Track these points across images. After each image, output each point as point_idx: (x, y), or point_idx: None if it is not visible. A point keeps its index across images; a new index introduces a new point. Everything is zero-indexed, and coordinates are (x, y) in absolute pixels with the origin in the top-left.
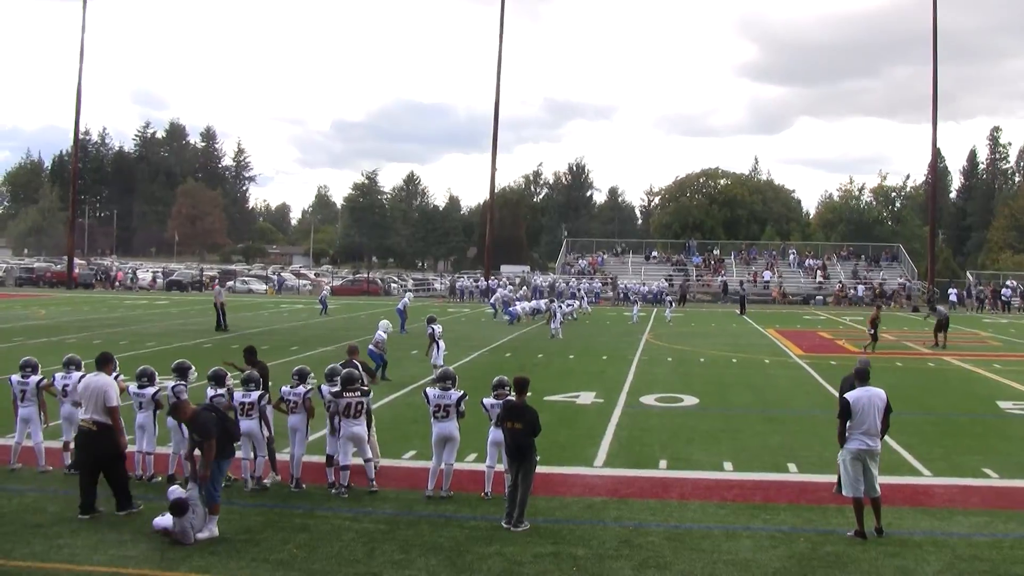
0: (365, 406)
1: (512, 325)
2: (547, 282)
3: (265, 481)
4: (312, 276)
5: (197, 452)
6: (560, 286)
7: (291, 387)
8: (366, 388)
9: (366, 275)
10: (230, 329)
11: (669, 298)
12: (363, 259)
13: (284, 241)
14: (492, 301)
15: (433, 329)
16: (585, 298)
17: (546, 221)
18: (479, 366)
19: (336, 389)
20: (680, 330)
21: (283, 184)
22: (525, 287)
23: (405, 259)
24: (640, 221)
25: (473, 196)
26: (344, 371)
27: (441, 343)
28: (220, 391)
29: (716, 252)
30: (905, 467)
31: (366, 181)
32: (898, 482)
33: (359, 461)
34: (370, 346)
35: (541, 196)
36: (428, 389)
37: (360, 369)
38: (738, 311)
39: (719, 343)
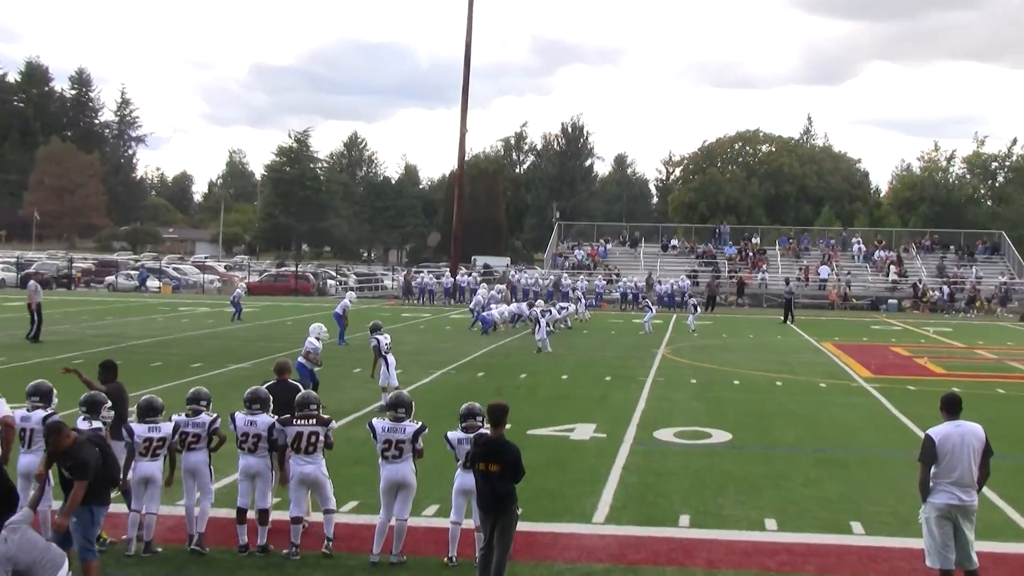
0: (322, 439)
1: (486, 335)
2: (533, 279)
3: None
4: (222, 270)
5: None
6: (559, 285)
7: (188, 416)
8: (326, 417)
9: (294, 268)
10: (45, 339)
11: (693, 301)
12: (290, 247)
13: (185, 223)
14: (473, 305)
15: (378, 341)
16: (583, 300)
17: (532, 199)
18: (443, 389)
19: (282, 416)
20: (707, 342)
21: (184, 147)
22: (501, 285)
23: (346, 248)
24: (655, 199)
25: (437, 165)
26: (305, 394)
27: (390, 358)
28: (96, 424)
29: (755, 240)
30: (1010, 529)
31: (294, 144)
32: (1002, 550)
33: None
34: (299, 359)
35: (526, 166)
36: (375, 420)
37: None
38: (784, 318)
39: (759, 360)
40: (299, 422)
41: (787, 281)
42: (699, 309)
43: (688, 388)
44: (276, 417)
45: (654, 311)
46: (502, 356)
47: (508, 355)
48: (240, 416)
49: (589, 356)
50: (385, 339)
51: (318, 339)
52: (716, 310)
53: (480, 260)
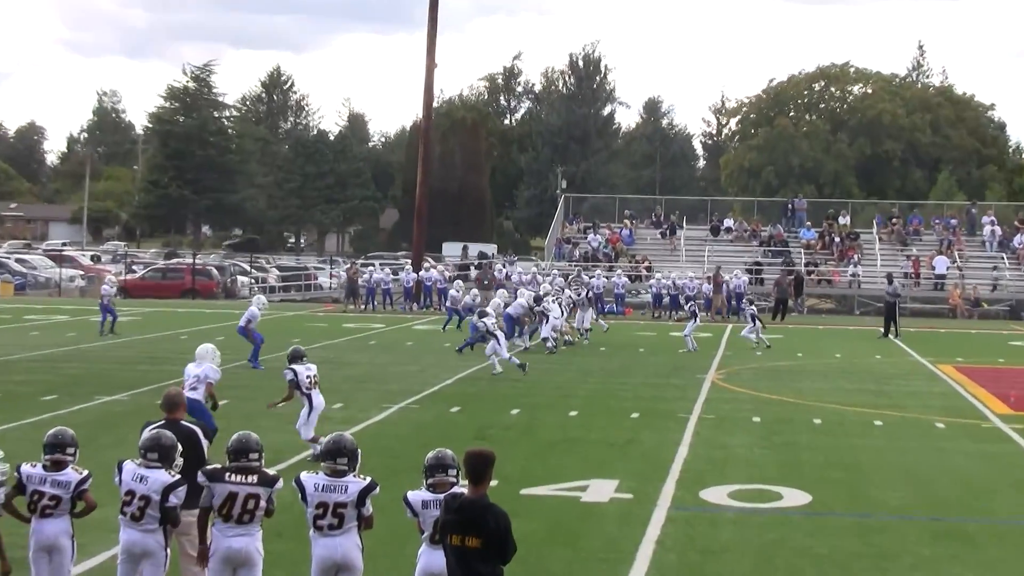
0: (263, 504)
1: (461, 354)
2: (529, 275)
3: None
4: (87, 262)
5: None
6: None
7: (46, 469)
8: (272, 473)
9: (190, 260)
10: None
11: (752, 309)
12: (185, 230)
13: (33, 196)
14: (457, 307)
15: (295, 373)
16: (590, 305)
17: (529, 162)
18: (402, 431)
19: (214, 467)
20: (775, 364)
21: (31, 87)
22: (480, 286)
23: (265, 231)
24: (702, 162)
25: (394, 115)
26: (241, 436)
27: (316, 398)
28: None
29: (843, 220)
30: None
31: (190, 85)
32: None
33: None
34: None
35: (520, 115)
36: (305, 475)
37: (189, 430)
38: (884, 330)
39: (849, 390)
40: (233, 477)
41: (889, 278)
42: (758, 322)
43: (749, 429)
44: (201, 470)
45: (697, 320)
46: (486, 383)
47: (494, 381)
48: (130, 467)
49: (608, 384)
50: (307, 371)
51: (260, 309)
52: (786, 319)
53: (451, 249)
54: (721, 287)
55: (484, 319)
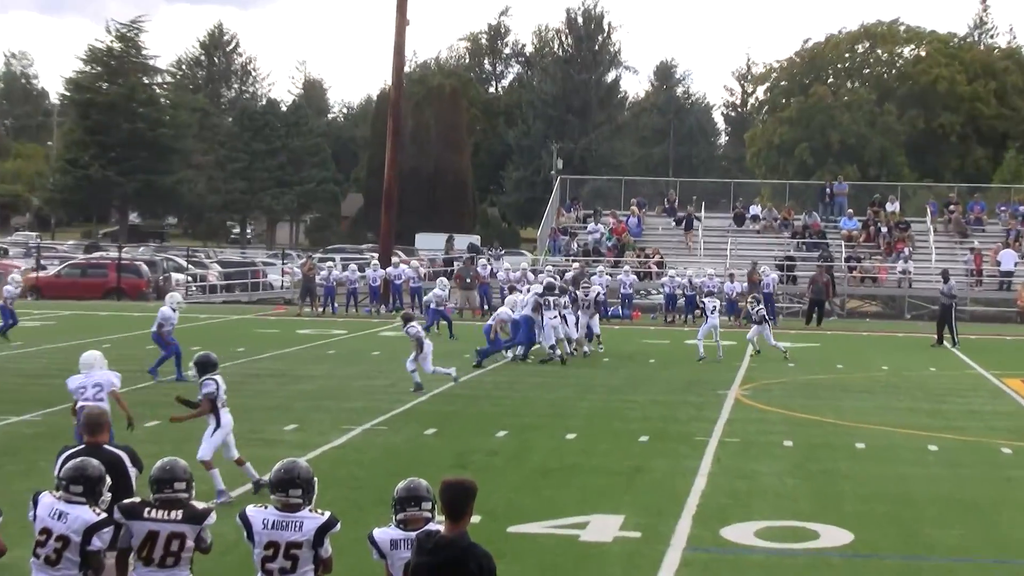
0: (191, 543)
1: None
2: (518, 273)
3: None
4: None
5: None
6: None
7: None
8: (201, 507)
9: (116, 254)
10: None
11: (759, 308)
12: (109, 218)
13: None
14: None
15: (216, 385)
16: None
17: (519, 137)
18: (366, 457)
19: (131, 501)
20: (810, 377)
21: None
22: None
23: (205, 219)
24: (724, 138)
25: (358, 82)
26: (164, 463)
27: (225, 416)
28: None
29: (892, 208)
30: None
31: (116, 45)
32: None
33: None
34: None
35: (507, 82)
36: (251, 510)
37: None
38: (939, 337)
39: (897, 409)
40: (153, 513)
41: (945, 275)
42: (767, 322)
43: (779, 455)
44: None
45: (714, 319)
46: (467, 401)
47: (475, 399)
48: (48, 501)
49: (612, 401)
50: (214, 388)
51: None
52: (823, 323)
53: (425, 240)
54: (758, 286)
55: (412, 324)
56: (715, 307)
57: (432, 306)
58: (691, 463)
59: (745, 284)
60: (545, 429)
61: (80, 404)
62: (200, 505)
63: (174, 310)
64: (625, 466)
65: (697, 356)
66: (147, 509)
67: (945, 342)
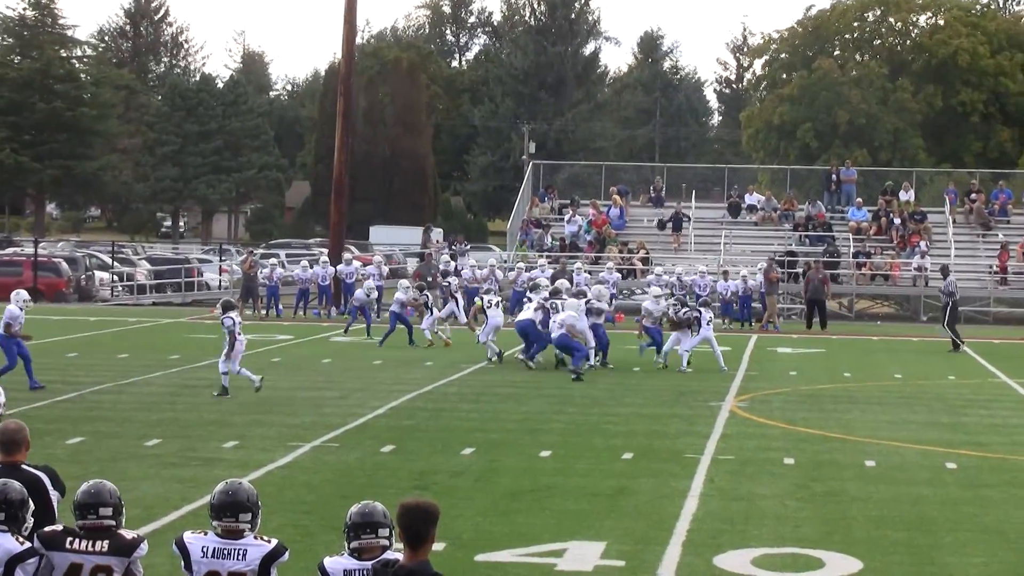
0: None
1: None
2: (485, 271)
3: None
4: None
5: None
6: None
7: None
8: (131, 536)
9: (32, 250)
10: None
11: (701, 313)
12: (22, 210)
13: None
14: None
15: (234, 321)
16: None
17: (485, 117)
18: (317, 477)
19: (52, 529)
20: (814, 387)
21: None
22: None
23: (133, 209)
24: (717, 117)
25: (304, 55)
26: (89, 486)
27: (241, 344)
28: None
29: (906, 196)
30: None
31: (29, 13)
32: None
33: None
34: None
35: (472, 55)
36: (190, 536)
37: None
38: (954, 343)
39: (913, 422)
40: (76, 544)
41: (944, 271)
42: (693, 328)
43: (780, 474)
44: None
45: (707, 331)
46: (429, 415)
47: (438, 412)
48: None
49: (592, 414)
50: (229, 322)
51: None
52: (828, 327)
53: (382, 233)
54: (776, 286)
55: (229, 315)
56: (710, 319)
57: (391, 310)
58: (681, 483)
59: (739, 283)
60: (516, 446)
61: None
62: (129, 534)
63: (20, 307)
64: (606, 487)
65: (679, 367)
66: (69, 539)
67: (962, 347)
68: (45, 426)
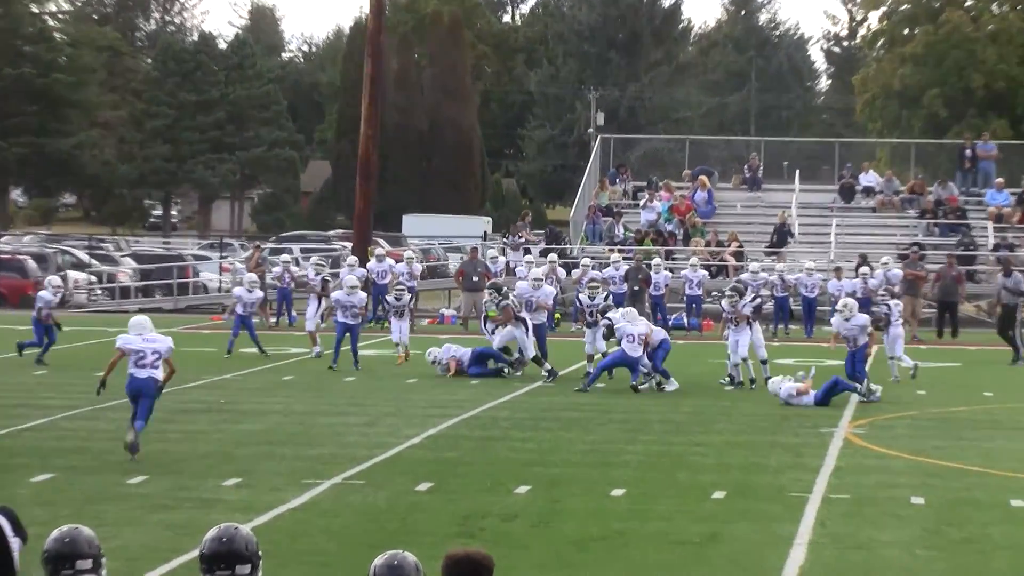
0: None
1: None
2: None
3: None
4: None
5: None
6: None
7: None
8: None
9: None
10: None
11: (891, 315)
12: None
13: None
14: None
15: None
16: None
17: (543, 84)
18: (337, 522)
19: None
20: (948, 409)
21: None
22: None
23: (116, 196)
24: (825, 82)
25: (322, 9)
26: (63, 533)
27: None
28: None
29: None
30: None
31: None
32: None
33: None
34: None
35: (526, 7)
36: None
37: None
38: (1016, 349)
39: None
40: None
41: (1005, 265)
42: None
43: (906, 517)
44: None
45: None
46: (474, 443)
47: (486, 441)
48: None
49: (674, 444)
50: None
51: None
52: (960, 333)
53: (416, 222)
54: (919, 288)
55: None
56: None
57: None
58: (785, 528)
59: (857, 283)
60: (582, 483)
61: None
62: None
63: (54, 294)
64: (693, 533)
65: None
66: None
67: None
68: (7, 460)
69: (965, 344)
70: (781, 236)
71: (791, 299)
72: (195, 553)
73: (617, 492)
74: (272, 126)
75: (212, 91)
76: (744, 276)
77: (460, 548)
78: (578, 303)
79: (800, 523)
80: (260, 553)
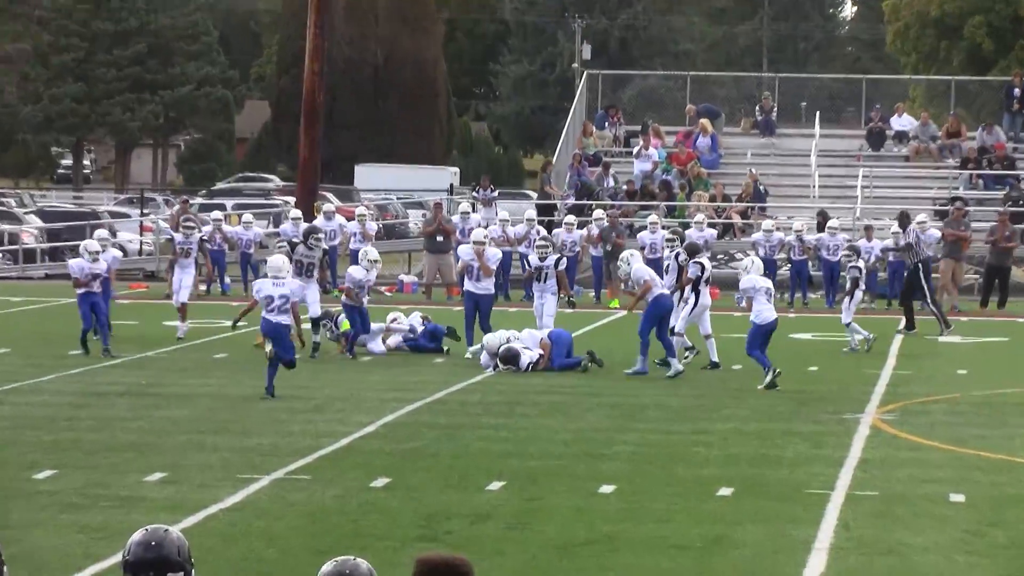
0: None
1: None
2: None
3: None
4: None
5: None
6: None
7: None
8: None
9: None
10: None
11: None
12: None
13: None
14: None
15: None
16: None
17: (519, 8)
18: (280, 524)
19: None
20: (989, 391)
21: None
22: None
23: (18, 143)
24: (849, 8)
25: None
26: None
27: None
28: None
29: None
30: None
31: None
32: None
33: None
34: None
35: None
36: None
37: None
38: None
39: None
40: None
41: (901, 219)
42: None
43: (943, 517)
44: None
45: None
46: (440, 431)
47: (454, 429)
48: None
49: (673, 432)
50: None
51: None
52: (1014, 302)
53: (370, 176)
54: (961, 251)
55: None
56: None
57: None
58: (802, 531)
59: (887, 242)
60: (566, 478)
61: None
62: None
63: (92, 260)
64: (695, 536)
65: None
66: None
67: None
68: None
69: (1015, 315)
70: (757, 196)
71: (809, 263)
72: (114, 560)
73: (606, 489)
74: (201, 61)
75: (130, 20)
76: (756, 236)
77: (434, 552)
78: (527, 264)
79: (820, 525)
80: (192, 560)
